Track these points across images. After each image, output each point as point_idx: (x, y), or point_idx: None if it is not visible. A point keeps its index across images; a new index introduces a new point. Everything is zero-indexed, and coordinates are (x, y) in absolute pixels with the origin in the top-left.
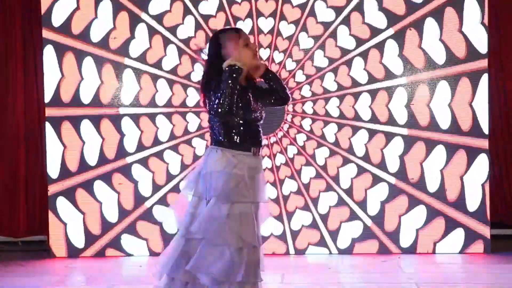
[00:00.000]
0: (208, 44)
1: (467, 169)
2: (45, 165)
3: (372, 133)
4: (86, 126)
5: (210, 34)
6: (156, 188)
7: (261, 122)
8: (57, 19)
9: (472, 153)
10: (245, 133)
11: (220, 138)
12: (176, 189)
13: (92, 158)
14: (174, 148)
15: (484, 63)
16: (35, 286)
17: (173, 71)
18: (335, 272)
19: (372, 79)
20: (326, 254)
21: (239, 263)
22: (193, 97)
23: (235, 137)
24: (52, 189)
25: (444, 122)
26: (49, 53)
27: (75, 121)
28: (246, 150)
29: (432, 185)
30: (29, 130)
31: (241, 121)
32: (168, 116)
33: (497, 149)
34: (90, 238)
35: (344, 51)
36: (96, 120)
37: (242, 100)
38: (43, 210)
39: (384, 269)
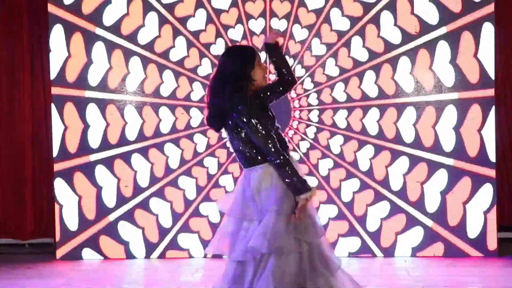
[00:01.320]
0: (235, 62)
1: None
2: (52, 168)
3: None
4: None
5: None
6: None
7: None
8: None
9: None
10: None
11: (255, 157)
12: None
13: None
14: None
15: (482, 12)
16: None
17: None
18: None
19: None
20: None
21: (304, 268)
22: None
23: None
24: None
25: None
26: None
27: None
28: None
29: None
30: (36, 132)
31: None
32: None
33: (503, 152)
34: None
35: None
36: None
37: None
38: (49, 212)
39: (391, 272)
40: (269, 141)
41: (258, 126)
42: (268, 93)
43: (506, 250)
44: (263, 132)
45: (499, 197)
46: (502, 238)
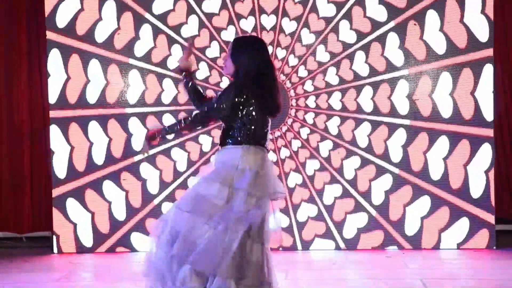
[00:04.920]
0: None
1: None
2: (50, 162)
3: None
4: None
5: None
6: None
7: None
8: (61, 20)
9: (475, 142)
10: None
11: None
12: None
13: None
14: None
15: (486, 53)
16: (39, 282)
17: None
18: (340, 268)
19: (373, 72)
20: (332, 250)
21: None
22: None
23: None
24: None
25: (447, 112)
26: (54, 55)
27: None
28: None
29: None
30: (34, 127)
31: None
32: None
33: (503, 145)
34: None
35: (346, 45)
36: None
37: None
38: (47, 206)
39: (389, 264)
40: None
41: None
42: None
43: (505, 242)
44: None
45: (497, 189)
46: (500, 230)
